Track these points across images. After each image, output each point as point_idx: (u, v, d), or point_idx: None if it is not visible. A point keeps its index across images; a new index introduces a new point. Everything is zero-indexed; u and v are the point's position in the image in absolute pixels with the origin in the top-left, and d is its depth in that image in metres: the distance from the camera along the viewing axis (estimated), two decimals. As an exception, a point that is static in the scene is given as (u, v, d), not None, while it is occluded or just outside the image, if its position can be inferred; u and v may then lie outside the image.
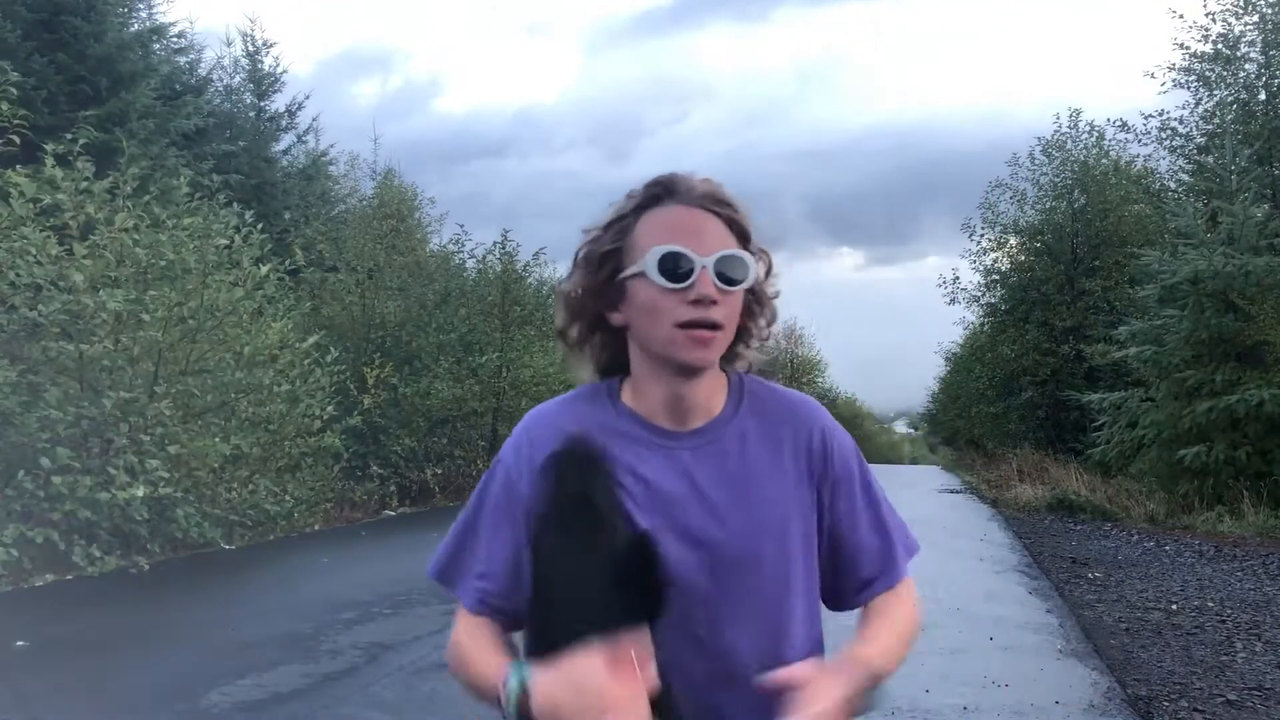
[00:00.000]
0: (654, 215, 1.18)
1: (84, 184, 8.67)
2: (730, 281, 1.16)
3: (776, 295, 1.27)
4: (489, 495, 1.28)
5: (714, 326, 1.15)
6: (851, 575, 1.29)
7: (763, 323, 1.26)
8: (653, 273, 1.14)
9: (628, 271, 1.17)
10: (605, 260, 1.19)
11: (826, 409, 1.32)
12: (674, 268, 1.14)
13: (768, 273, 1.24)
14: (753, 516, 1.21)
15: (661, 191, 1.20)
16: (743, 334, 1.25)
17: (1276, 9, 16.59)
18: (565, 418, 1.24)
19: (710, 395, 1.24)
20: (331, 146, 23.67)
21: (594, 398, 1.27)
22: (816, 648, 1.27)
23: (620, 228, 1.20)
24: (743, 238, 1.20)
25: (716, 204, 1.19)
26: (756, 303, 1.24)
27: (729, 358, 1.26)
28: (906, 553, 1.33)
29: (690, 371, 1.19)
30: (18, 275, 8.06)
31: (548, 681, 1.03)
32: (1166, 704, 4.71)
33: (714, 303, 1.14)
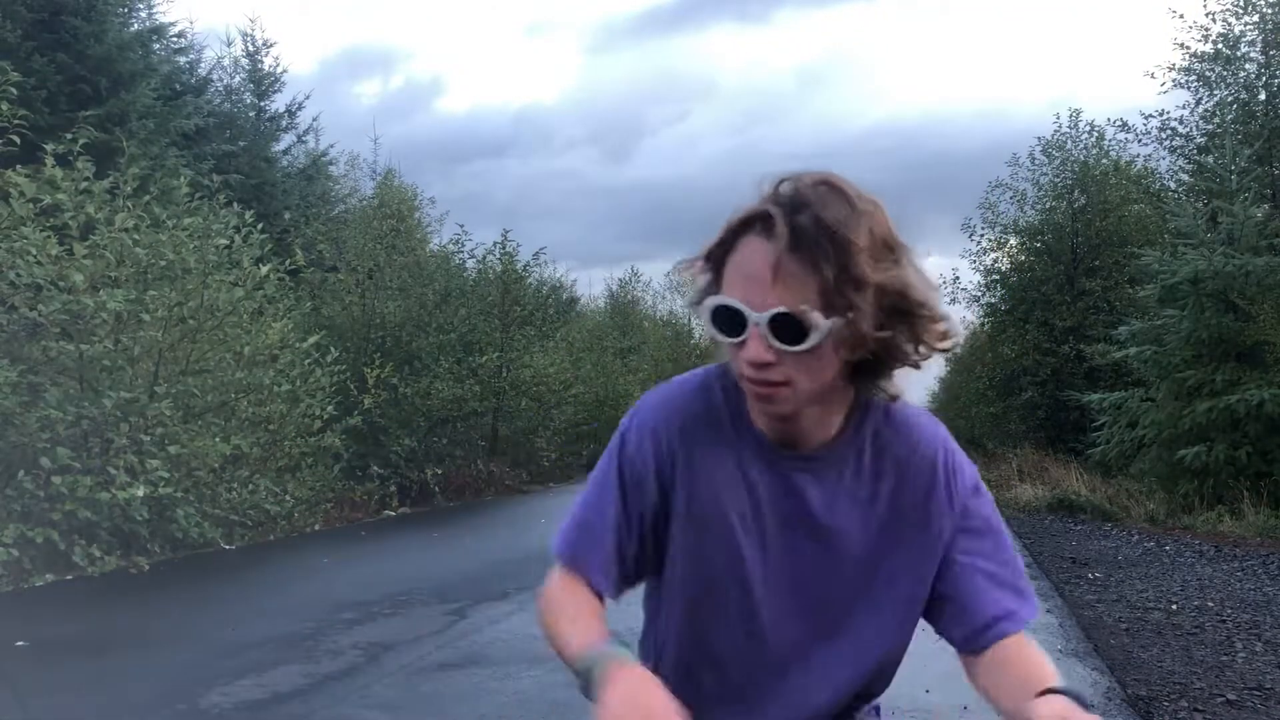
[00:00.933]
0: (743, 246, 1.06)
1: (84, 184, 8.67)
2: (789, 340, 1.02)
3: (906, 313, 1.07)
4: (617, 482, 1.21)
5: (776, 384, 1.06)
6: (970, 618, 1.19)
7: (912, 341, 1.09)
8: (709, 327, 1.08)
9: (698, 313, 1.11)
10: (705, 290, 1.11)
11: (949, 434, 1.23)
12: (726, 322, 1.06)
13: (868, 311, 1.04)
14: (838, 549, 1.17)
15: (757, 218, 1.05)
16: (879, 362, 1.09)
17: (1276, 9, 16.59)
18: (698, 419, 1.18)
19: (824, 423, 1.15)
20: (331, 146, 23.75)
21: (720, 396, 1.19)
22: (882, 685, 1.28)
23: (715, 257, 1.09)
24: (846, 273, 1.02)
25: (795, 240, 1.02)
26: (903, 324, 1.06)
27: (866, 388, 1.14)
28: (1030, 611, 1.20)
29: (762, 414, 1.14)
30: (18, 275, 8.06)
31: (626, 686, 1.02)
32: (1166, 704, 4.71)
33: (769, 364, 1.04)
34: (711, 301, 1.06)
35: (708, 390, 1.20)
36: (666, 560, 1.22)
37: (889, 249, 1.05)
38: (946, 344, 1.10)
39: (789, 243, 1.01)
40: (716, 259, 1.09)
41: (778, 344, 1.03)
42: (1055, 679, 1.08)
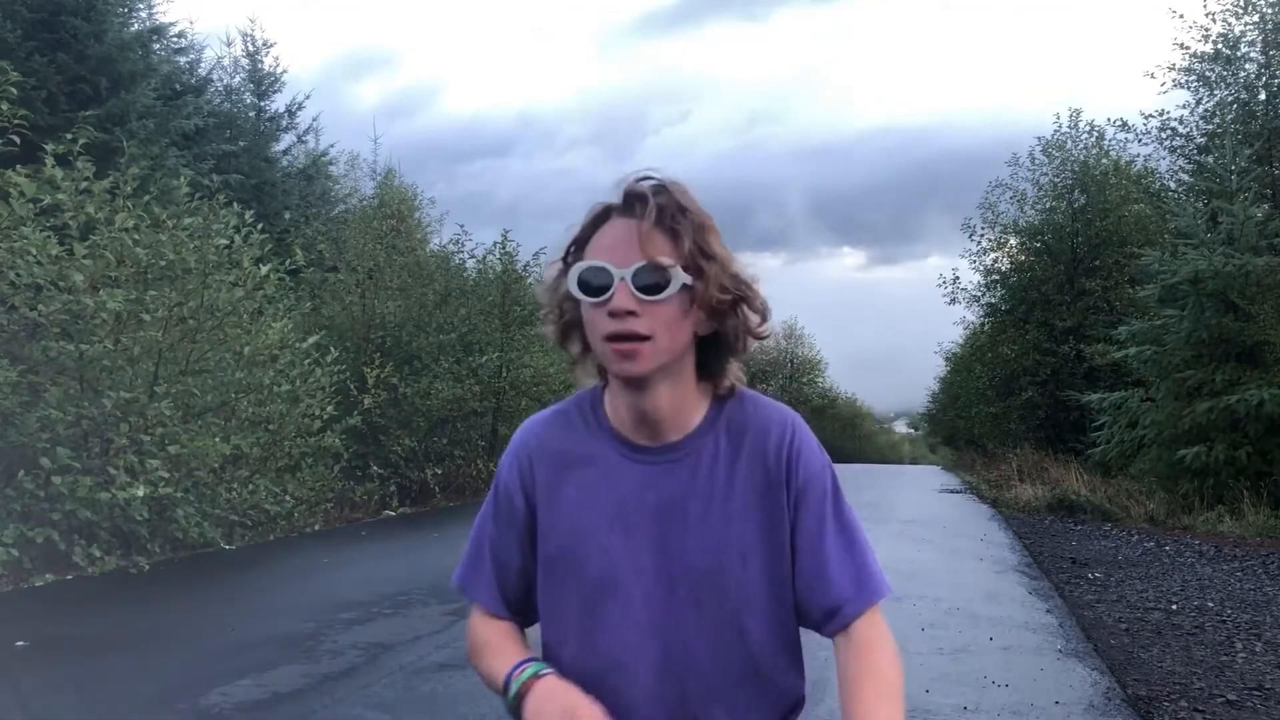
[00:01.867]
0: (604, 229, 1.19)
1: (84, 184, 8.66)
2: (651, 290, 1.14)
3: (738, 290, 1.20)
4: (493, 508, 1.33)
5: (638, 338, 1.14)
6: (818, 596, 1.23)
7: (736, 328, 1.21)
8: (574, 288, 1.17)
9: (563, 288, 1.21)
10: (559, 278, 1.23)
11: (804, 422, 1.29)
12: (591, 282, 1.16)
13: (718, 275, 1.17)
14: (714, 533, 1.22)
15: (611, 206, 1.20)
16: (716, 341, 1.22)
17: (1276, 9, 16.60)
18: (552, 439, 1.29)
19: (682, 409, 1.24)
20: (332, 146, 23.71)
21: (579, 414, 1.30)
22: (789, 666, 1.27)
23: (575, 244, 1.22)
24: (691, 239, 1.17)
25: (654, 211, 1.16)
26: (724, 306, 1.19)
27: (710, 368, 1.24)
28: (875, 589, 1.24)
29: (631, 383, 1.20)
30: (18, 275, 8.06)
31: (543, 693, 1.19)
32: (1166, 704, 4.71)
33: (631, 313, 1.14)
34: (580, 265, 1.17)
35: (564, 410, 1.32)
36: (543, 573, 1.29)
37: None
38: (764, 331, 1.24)
39: (655, 217, 1.16)
40: (579, 246, 1.20)
41: (640, 295, 1.14)
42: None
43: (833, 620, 1.23)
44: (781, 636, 1.26)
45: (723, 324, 1.21)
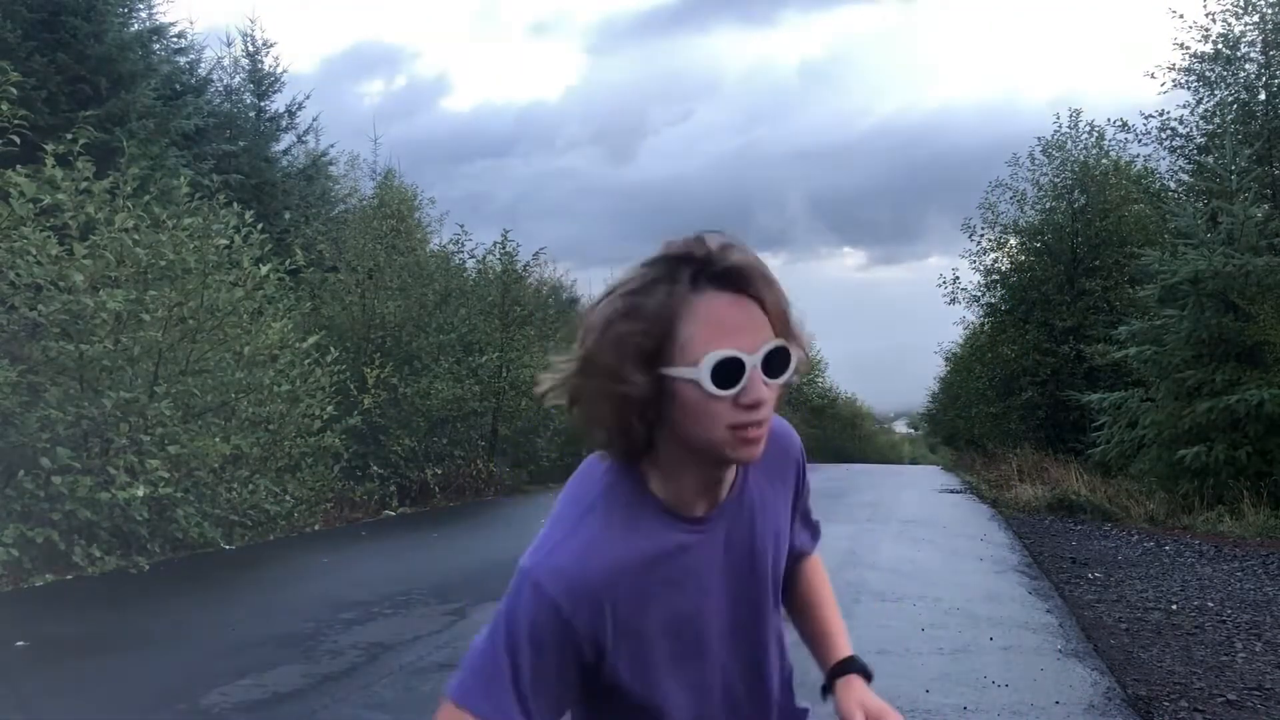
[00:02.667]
0: (701, 305, 1.08)
1: (84, 184, 8.67)
2: (777, 372, 1.11)
3: (807, 365, 1.20)
4: (527, 655, 1.11)
5: (763, 423, 1.11)
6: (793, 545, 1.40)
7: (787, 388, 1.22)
8: (706, 382, 1.07)
9: (677, 374, 1.08)
10: (654, 358, 1.09)
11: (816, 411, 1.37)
12: (727, 374, 1.08)
13: (803, 353, 1.17)
14: (762, 565, 1.29)
15: (700, 272, 1.09)
16: None
17: (1276, 9, 16.59)
18: (626, 558, 1.13)
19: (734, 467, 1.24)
20: (332, 146, 23.71)
21: (627, 508, 1.16)
22: (783, 655, 1.36)
23: (660, 317, 1.08)
24: (781, 325, 1.13)
25: (760, 289, 1.11)
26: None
27: None
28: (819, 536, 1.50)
29: (727, 464, 1.17)
30: (18, 275, 8.06)
31: None
32: (1166, 704, 4.71)
33: (765, 402, 1.10)
34: (714, 355, 1.07)
35: (608, 515, 1.15)
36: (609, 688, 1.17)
37: None
38: (795, 383, 1.21)
39: (746, 288, 1.10)
40: (660, 321, 1.08)
41: (767, 380, 1.10)
42: (839, 628, 1.43)
43: (795, 561, 1.43)
44: (781, 636, 1.37)
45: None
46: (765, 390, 1.09)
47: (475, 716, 1.11)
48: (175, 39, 17.70)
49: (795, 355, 1.13)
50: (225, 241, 10.30)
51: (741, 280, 1.10)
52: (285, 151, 21.49)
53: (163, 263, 9.18)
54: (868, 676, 1.37)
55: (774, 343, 1.10)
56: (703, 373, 1.07)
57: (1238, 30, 17.07)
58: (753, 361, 1.08)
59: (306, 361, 11.67)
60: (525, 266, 18.56)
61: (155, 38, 15.64)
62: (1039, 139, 23.70)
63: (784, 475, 1.34)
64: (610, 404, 1.11)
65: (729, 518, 1.23)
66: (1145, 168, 21.44)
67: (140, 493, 8.09)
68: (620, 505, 1.16)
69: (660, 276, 1.10)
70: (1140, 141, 19.86)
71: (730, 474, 1.21)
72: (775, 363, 1.11)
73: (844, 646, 1.41)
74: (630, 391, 1.09)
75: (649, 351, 1.08)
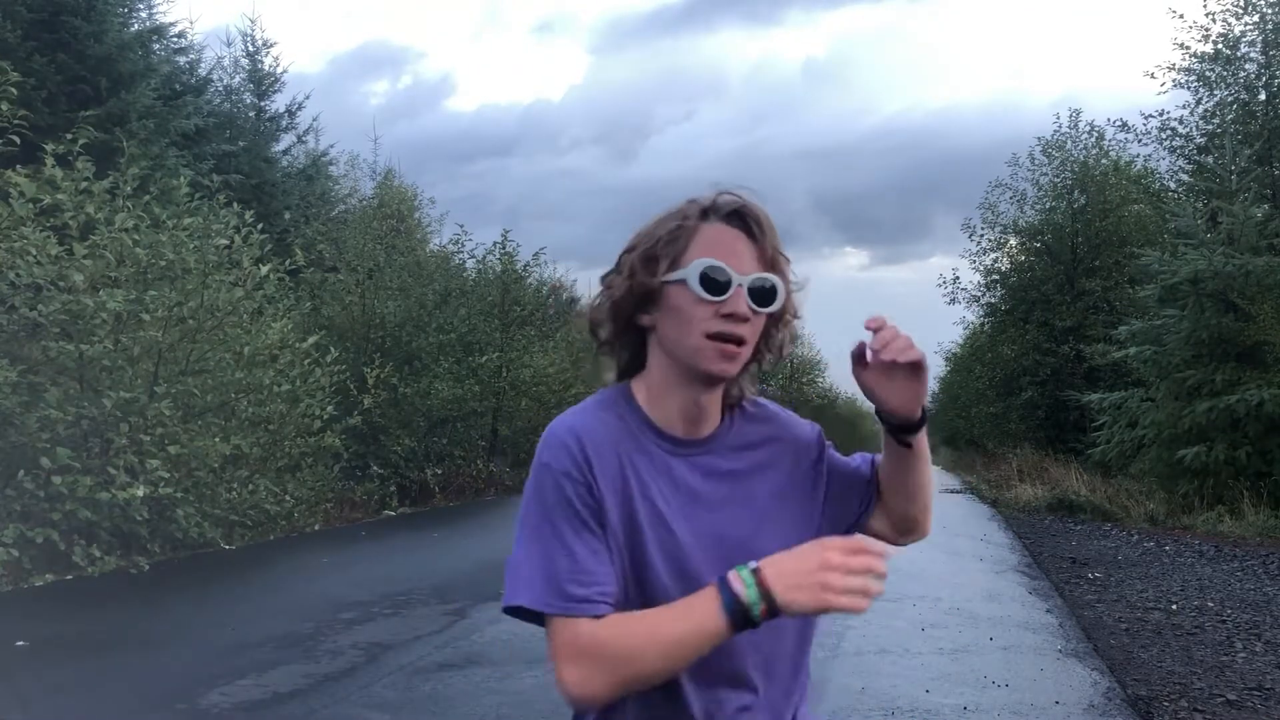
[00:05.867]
0: (706, 229, 1.26)
1: (84, 184, 8.66)
2: (762, 303, 1.24)
3: (796, 319, 1.33)
4: (553, 513, 1.20)
5: (740, 342, 1.23)
6: (862, 482, 1.40)
7: (775, 347, 1.32)
8: (693, 283, 1.22)
9: (670, 276, 1.24)
10: (654, 261, 1.25)
11: (822, 410, 1.40)
12: (714, 281, 1.22)
13: (790, 302, 1.30)
14: (756, 513, 1.31)
15: (718, 207, 1.27)
16: (755, 354, 1.31)
17: (1276, 9, 16.59)
18: (603, 427, 1.26)
19: (719, 406, 1.32)
20: (332, 146, 23.72)
21: (615, 407, 1.30)
22: (806, 644, 1.35)
23: (676, 234, 1.26)
24: (775, 268, 1.27)
25: (761, 230, 1.26)
26: (775, 327, 1.31)
27: (736, 383, 1.33)
28: None
29: (712, 381, 1.27)
30: (18, 275, 8.06)
31: (785, 562, 1.15)
32: (1166, 704, 4.71)
33: (744, 320, 1.22)
34: (703, 261, 1.22)
35: (601, 405, 1.30)
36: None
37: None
38: (789, 351, 1.35)
39: (755, 229, 1.26)
40: (675, 236, 1.26)
41: (752, 305, 1.23)
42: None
43: (871, 473, 1.41)
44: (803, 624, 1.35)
45: (768, 341, 1.31)
46: (747, 310, 1.22)
47: (534, 607, 1.19)
48: (175, 39, 17.71)
49: (784, 297, 1.26)
50: (225, 241, 10.30)
51: (744, 219, 1.26)
52: (285, 151, 21.51)
53: (163, 263, 9.18)
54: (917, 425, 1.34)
55: (765, 275, 1.24)
56: (691, 273, 1.22)
57: (1238, 30, 17.08)
58: (740, 280, 1.22)
59: (306, 361, 11.67)
60: (525, 267, 18.57)
61: (155, 38, 15.64)
62: (1039, 139, 23.75)
63: (788, 452, 1.35)
64: (615, 300, 1.27)
65: (705, 452, 1.30)
66: (1145, 168, 21.45)
67: (140, 493, 8.09)
68: (611, 404, 1.31)
69: (681, 211, 1.28)
70: (1140, 141, 19.90)
71: (711, 406, 1.29)
72: (763, 296, 1.24)
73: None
74: (633, 286, 1.25)
75: (655, 259, 1.25)
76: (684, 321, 1.23)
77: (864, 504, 1.40)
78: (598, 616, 1.16)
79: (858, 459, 1.44)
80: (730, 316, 1.21)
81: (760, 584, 1.12)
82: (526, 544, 1.21)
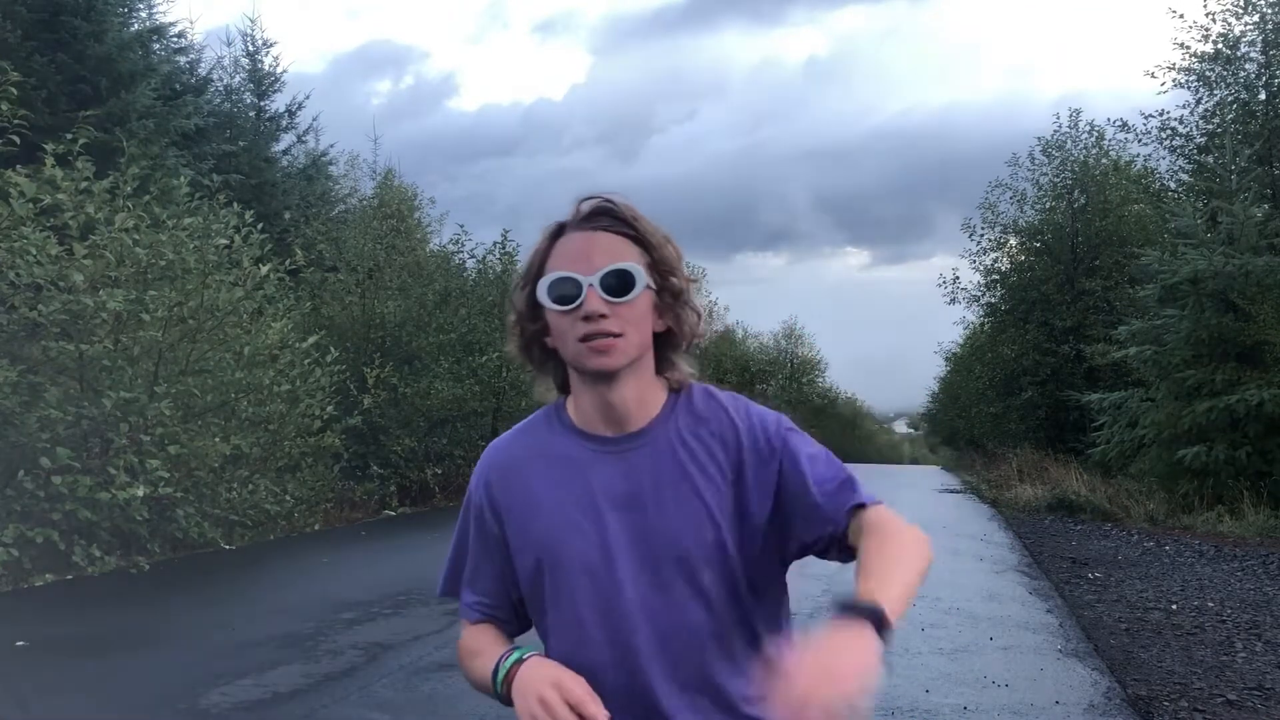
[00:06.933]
0: (559, 245, 1.30)
1: (84, 184, 8.66)
2: (619, 293, 1.25)
3: (685, 291, 1.32)
4: (466, 526, 1.43)
5: (612, 335, 1.25)
6: (819, 518, 1.28)
7: (686, 325, 1.33)
8: (546, 300, 1.27)
9: (540, 300, 1.29)
10: (526, 295, 1.32)
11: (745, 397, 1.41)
12: (562, 292, 1.26)
13: (671, 278, 1.30)
14: (681, 511, 1.30)
15: (575, 216, 1.31)
16: (669, 338, 1.33)
17: (1276, 9, 16.59)
18: (516, 448, 1.40)
19: (644, 401, 1.33)
20: (332, 146, 23.69)
21: (544, 422, 1.40)
22: (775, 615, 1.35)
23: (534, 261, 1.32)
24: (645, 246, 1.29)
25: (608, 221, 1.28)
26: (676, 306, 1.32)
27: (662, 363, 1.35)
28: (856, 493, 1.29)
29: (603, 377, 1.29)
30: (18, 275, 8.05)
31: (528, 672, 1.24)
32: (1166, 704, 4.71)
33: (603, 316, 1.24)
34: (547, 278, 1.27)
35: (527, 423, 1.42)
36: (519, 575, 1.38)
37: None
38: (701, 331, 1.36)
39: (606, 223, 1.28)
40: (536, 265, 1.31)
41: (609, 298, 1.25)
42: (873, 580, 1.14)
43: (836, 540, 1.28)
44: (766, 595, 1.34)
45: (676, 322, 1.32)
46: (603, 305, 1.24)
47: (440, 594, 1.50)
48: (175, 39, 17.71)
49: (641, 275, 1.26)
50: (225, 241, 10.29)
51: (596, 218, 1.29)
52: (285, 151, 21.51)
53: (163, 263, 9.17)
54: (877, 623, 1.07)
55: (615, 265, 1.25)
56: (542, 292, 1.28)
57: (1238, 30, 17.07)
58: (588, 280, 1.24)
59: (306, 361, 11.67)
60: (525, 266, 18.52)
61: (155, 38, 15.65)
62: (1039, 139, 23.70)
63: (721, 442, 1.32)
64: (514, 337, 1.36)
65: (632, 449, 1.32)
66: (1145, 168, 21.43)
67: (140, 493, 8.09)
68: (536, 421, 1.41)
69: (544, 237, 1.33)
70: (1140, 141, 19.87)
71: (630, 401, 1.30)
72: (618, 286, 1.25)
73: (867, 589, 1.12)
74: (522, 324, 1.34)
75: (527, 290, 1.31)
76: (560, 334, 1.28)
77: (822, 546, 1.29)
78: (473, 622, 1.43)
79: (831, 497, 1.28)
80: (589, 318, 1.24)
81: (509, 676, 1.26)
82: (452, 543, 1.46)
